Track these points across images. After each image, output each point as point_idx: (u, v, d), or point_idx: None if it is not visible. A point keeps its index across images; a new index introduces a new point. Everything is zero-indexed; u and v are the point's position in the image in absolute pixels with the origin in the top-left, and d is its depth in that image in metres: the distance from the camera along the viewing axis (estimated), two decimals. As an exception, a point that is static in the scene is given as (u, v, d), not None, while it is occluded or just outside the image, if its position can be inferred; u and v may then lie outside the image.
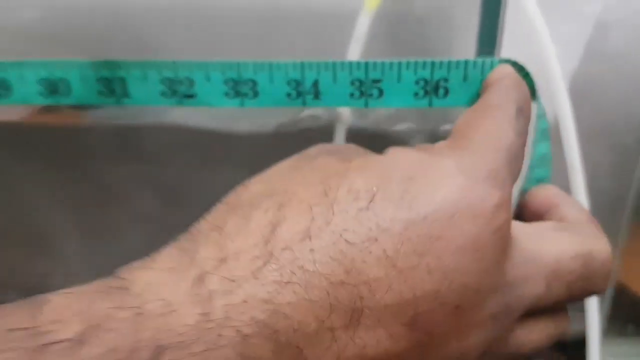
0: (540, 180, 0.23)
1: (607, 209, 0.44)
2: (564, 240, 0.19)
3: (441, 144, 0.18)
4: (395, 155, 0.17)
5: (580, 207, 0.21)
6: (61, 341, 0.13)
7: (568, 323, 0.20)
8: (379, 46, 0.26)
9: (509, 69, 0.20)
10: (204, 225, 0.16)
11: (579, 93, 0.45)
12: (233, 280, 0.14)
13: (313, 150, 0.19)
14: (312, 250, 0.15)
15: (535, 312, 0.19)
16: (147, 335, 0.13)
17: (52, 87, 0.23)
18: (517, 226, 0.18)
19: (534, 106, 0.21)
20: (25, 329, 0.13)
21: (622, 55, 0.50)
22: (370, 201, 0.15)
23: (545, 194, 0.21)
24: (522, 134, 0.18)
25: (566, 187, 0.24)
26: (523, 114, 0.19)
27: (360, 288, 0.15)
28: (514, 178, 0.18)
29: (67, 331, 0.13)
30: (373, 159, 0.17)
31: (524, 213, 0.22)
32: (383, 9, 0.25)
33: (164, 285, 0.14)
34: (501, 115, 0.18)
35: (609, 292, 0.55)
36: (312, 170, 0.17)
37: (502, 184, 0.16)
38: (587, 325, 0.25)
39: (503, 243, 0.16)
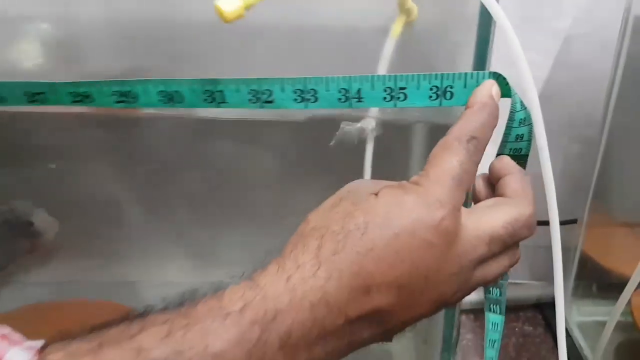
0: (517, 152, 0.32)
1: (573, 189, 0.52)
2: (497, 213, 0.29)
3: (413, 179, 0.29)
4: (382, 198, 0.28)
5: (520, 179, 0.31)
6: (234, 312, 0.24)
7: (517, 256, 0.31)
8: (401, 61, 0.34)
9: (479, 95, 0.30)
10: (287, 247, 0.27)
11: (549, 95, 0.55)
12: (303, 278, 0.26)
13: (343, 191, 0.30)
14: (339, 260, 0.26)
15: (487, 260, 0.29)
16: (271, 305, 0.25)
17: (169, 97, 0.32)
18: (464, 213, 0.28)
19: (509, 101, 0.30)
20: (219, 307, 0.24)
21: (584, 64, 0.60)
22: (366, 229, 0.26)
23: (499, 165, 0.32)
24: (473, 152, 0.29)
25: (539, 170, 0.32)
26: (476, 138, 0.29)
27: (366, 275, 0.26)
28: (464, 187, 0.28)
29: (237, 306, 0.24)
30: (369, 203, 0.28)
31: (490, 174, 0.32)
32: (402, 35, 0.34)
33: (272, 282, 0.26)
34: (454, 148, 0.28)
35: (575, 259, 0.64)
36: (337, 213, 0.28)
37: (445, 204, 0.27)
38: (555, 286, 0.34)
39: (448, 237, 0.27)
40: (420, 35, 0.35)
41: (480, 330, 0.63)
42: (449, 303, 0.29)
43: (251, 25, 0.32)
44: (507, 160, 0.32)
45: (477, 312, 0.65)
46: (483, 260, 0.29)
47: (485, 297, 0.35)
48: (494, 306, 0.35)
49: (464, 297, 0.30)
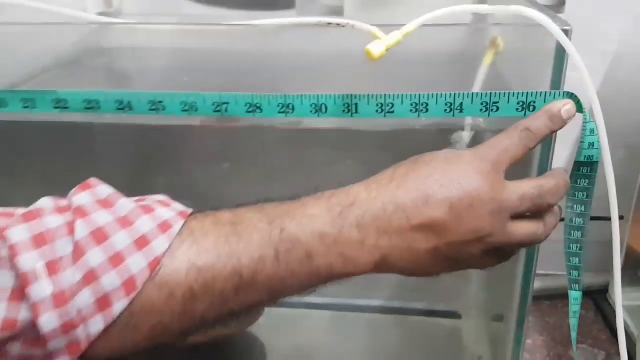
0: (589, 158, 0.40)
1: (620, 189, 0.59)
2: (529, 180, 0.37)
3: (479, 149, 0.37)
4: (444, 150, 0.37)
5: (555, 170, 0.39)
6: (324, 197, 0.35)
7: (541, 226, 0.38)
8: (492, 81, 0.44)
9: (550, 105, 0.38)
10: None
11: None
12: (379, 186, 0.35)
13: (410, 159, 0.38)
14: (408, 179, 0.35)
15: (516, 217, 0.36)
16: (351, 197, 0.35)
17: (318, 108, 0.42)
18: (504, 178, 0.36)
19: (580, 116, 0.39)
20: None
21: (630, 81, 0.68)
22: (431, 162, 0.36)
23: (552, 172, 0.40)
24: (524, 139, 0.37)
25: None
26: (529, 130, 0.37)
27: (426, 190, 0.34)
28: (509, 158, 0.36)
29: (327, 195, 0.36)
30: (435, 152, 0.37)
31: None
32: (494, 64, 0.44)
33: (356, 187, 0.35)
34: (510, 132, 0.37)
35: (623, 251, 0.71)
36: (400, 166, 0.36)
37: (494, 159, 0.35)
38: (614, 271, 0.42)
39: (490, 180, 0.35)
40: (507, 61, 0.45)
41: (537, 313, 0.71)
42: (485, 242, 0.35)
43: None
44: (559, 170, 0.40)
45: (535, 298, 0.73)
46: (516, 215, 0.36)
47: (568, 279, 0.44)
48: (575, 285, 0.44)
49: (497, 244, 0.36)
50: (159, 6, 0.69)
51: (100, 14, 0.66)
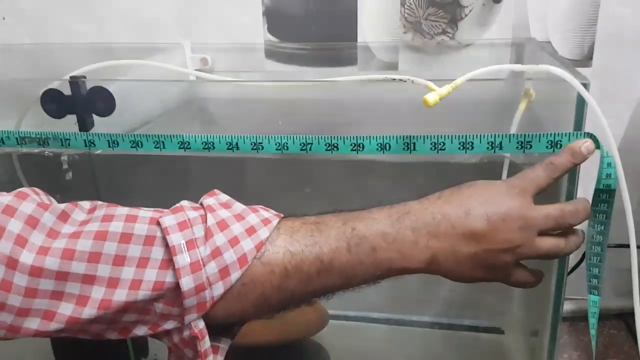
0: (607, 187, 0.48)
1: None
2: (553, 205, 0.45)
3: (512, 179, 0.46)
4: (477, 183, 0.45)
5: (576, 199, 0.48)
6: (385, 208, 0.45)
7: (565, 242, 0.45)
8: (526, 124, 0.53)
9: (572, 144, 0.46)
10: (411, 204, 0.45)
11: (625, 148, 0.71)
12: (429, 202, 0.44)
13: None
14: (452, 198, 0.44)
15: (543, 234, 0.44)
16: (407, 208, 0.44)
17: (383, 146, 0.51)
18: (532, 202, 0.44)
19: (597, 152, 0.47)
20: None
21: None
22: (471, 186, 0.45)
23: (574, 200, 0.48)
24: (549, 171, 0.45)
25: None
26: (553, 164, 0.45)
27: (467, 206, 0.43)
28: (536, 187, 0.44)
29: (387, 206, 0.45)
30: (463, 187, 0.45)
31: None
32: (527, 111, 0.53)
33: (411, 201, 0.44)
34: (536, 167, 0.46)
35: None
36: (446, 190, 0.45)
37: (522, 186, 0.44)
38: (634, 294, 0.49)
39: (520, 200, 0.43)
40: (538, 108, 0.54)
41: (574, 332, 0.77)
42: (516, 252, 0.43)
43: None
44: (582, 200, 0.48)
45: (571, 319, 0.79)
46: (542, 232, 0.44)
47: (588, 285, 0.51)
48: (594, 290, 0.51)
49: (526, 255, 0.44)
50: (244, 64, 0.80)
51: (197, 69, 0.78)
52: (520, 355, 0.72)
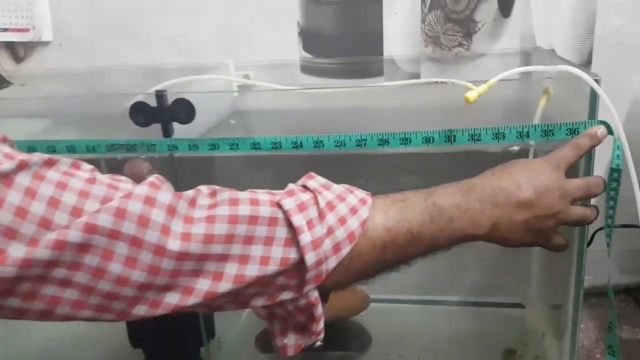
0: (618, 165, 0.57)
1: None
2: (580, 179, 0.54)
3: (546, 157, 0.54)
4: (520, 161, 0.54)
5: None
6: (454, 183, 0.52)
7: (588, 210, 0.54)
8: (547, 116, 0.61)
9: (589, 129, 0.55)
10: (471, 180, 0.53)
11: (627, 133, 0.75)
12: (485, 177, 0.52)
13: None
14: (504, 173, 0.52)
15: (573, 204, 0.52)
16: (471, 183, 0.52)
17: (428, 139, 0.59)
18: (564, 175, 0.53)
19: (610, 137, 0.56)
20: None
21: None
22: (515, 164, 0.53)
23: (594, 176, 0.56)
24: (575, 149, 0.53)
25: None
26: (577, 145, 0.54)
27: (518, 180, 0.51)
28: (567, 163, 0.53)
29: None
30: (509, 165, 0.53)
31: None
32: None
33: (454, 194, 0.51)
34: (569, 145, 0.54)
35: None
36: (496, 167, 0.53)
37: (558, 167, 0.52)
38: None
39: (557, 173, 0.52)
40: (556, 102, 0.62)
41: (587, 305, 0.85)
42: (557, 217, 0.51)
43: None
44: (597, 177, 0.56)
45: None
46: (573, 201, 0.52)
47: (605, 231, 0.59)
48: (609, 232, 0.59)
49: (564, 220, 0.51)
50: (282, 78, 0.88)
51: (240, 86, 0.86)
52: (539, 326, 0.80)
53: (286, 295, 0.45)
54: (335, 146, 0.62)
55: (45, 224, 0.37)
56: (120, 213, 0.39)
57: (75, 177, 0.40)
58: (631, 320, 0.82)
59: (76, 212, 0.38)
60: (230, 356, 0.80)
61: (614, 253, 0.59)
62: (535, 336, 0.78)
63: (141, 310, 0.41)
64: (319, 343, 0.48)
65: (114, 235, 0.39)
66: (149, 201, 0.40)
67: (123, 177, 0.43)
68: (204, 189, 0.46)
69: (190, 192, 0.45)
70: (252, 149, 0.62)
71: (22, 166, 0.37)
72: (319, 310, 0.46)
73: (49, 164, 0.39)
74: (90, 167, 0.42)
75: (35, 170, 0.38)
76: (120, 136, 0.63)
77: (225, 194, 0.45)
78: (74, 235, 0.37)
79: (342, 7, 0.84)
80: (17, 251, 0.36)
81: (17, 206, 0.36)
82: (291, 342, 0.48)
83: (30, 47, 0.93)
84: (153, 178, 0.43)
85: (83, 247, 0.38)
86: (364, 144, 0.62)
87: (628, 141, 0.56)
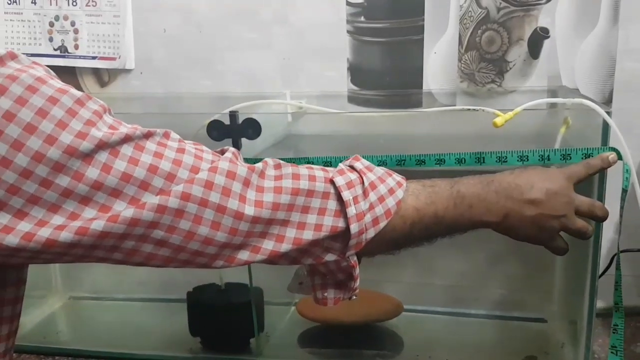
0: (626, 186, 0.64)
1: None
2: (586, 197, 0.61)
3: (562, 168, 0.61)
4: (537, 167, 0.61)
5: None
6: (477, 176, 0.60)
7: (589, 226, 0.60)
8: (565, 142, 0.69)
9: (600, 154, 0.62)
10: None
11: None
12: (503, 175, 0.59)
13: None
14: (520, 173, 0.60)
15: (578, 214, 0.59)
16: (490, 178, 0.59)
17: (460, 160, 0.67)
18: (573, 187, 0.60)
19: (620, 162, 0.63)
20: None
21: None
22: (526, 168, 0.61)
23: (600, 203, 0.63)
24: (585, 169, 0.61)
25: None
26: (589, 164, 0.61)
27: (532, 181, 0.58)
28: (579, 176, 0.60)
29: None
30: (528, 168, 0.61)
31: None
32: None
33: (476, 184, 0.58)
34: (582, 163, 0.62)
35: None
36: (516, 168, 0.60)
37: (569, 177, 0.59)
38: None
39: (567, 182, 0.59)
40: (574, 131, 0.70)
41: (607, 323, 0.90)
42: (560, 220, 0.57)
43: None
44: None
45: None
46: (576, 212, 0.58)
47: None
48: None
49: (566, 225, 0.58)
50: (331, 107, 0.98)
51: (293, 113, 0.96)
52: (559, 338, 0.85)
53: (330, 257, 0.53)
54: (379, 164, 0.70)
55: (144, 186, 0.44)
56: (209, 185, 0.46)
57: (168, 148, 0.47)
58: (647, 339, 0.87)
59: (170, 177, 0.45)
60: (275, 349, 0.88)
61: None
62: (555, 346, 0.83)
63: (219, 264, 0.49)
64: (354, 297, 0.56)
65: (203, 203, 0.46)
66: (230, 175, 0.48)
67: (204, 147, 0.51)
68: (270, 161, 0.54)
69: (259, 165, 0.52)
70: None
71: (126, 139, 0.44)
72: (357, 270, 0.54)
73: (147, 135, 0.46)
74: (177, 136, 0.50)
75: (137, 141, 0.45)
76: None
77: (289, 168, 0.53)
78: (173, 201, 0.45)
79: (388, 46, 0.94)
80: (123, 209, 0.43)
81: (122, 172, 0.43)
82: (330, 295, 0.56)
83: (114, 73, 1.05)
84: (230, 154, 0.51)
85: (179, 212, 0.45)
86: (403, 164, 0.70)
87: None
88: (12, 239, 0.41)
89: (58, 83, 0.44)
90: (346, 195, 0.52)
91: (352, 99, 0.98)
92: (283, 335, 0.91)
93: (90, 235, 0.43)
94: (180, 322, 0.88)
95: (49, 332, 0.97)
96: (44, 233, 0.41)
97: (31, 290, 0.52)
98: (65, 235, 0.42)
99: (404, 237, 0.55)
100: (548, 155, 0.65)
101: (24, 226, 0.41)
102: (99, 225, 0.43)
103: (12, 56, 0.43)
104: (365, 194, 0.53)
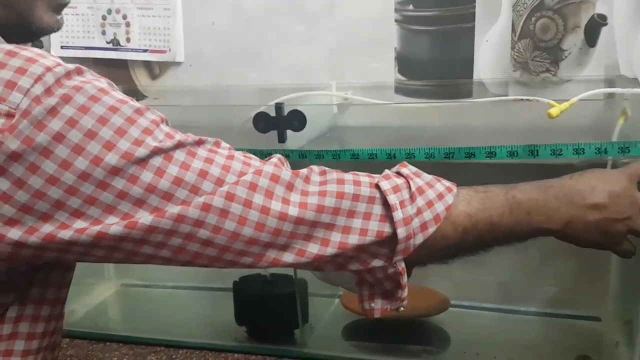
0: None
1: None
2: None
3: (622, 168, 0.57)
4: (596, 170, 0.57)
5: None
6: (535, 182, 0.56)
7: None
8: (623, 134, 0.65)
9: None
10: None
11: None
12: (563, 179, 0.56)
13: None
14: (581, 177, 0.56)
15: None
16: (549, 183, 0.56)
17: (512, 153, 0.65)
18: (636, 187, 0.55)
19: None
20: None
21: None
22: (585, 172, 0.56)
23: None
24: None
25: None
26: None
27: (593, 184, 0.55)
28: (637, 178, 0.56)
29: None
30: (587, 172, 0.56)
31: None
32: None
33: (533, 190, 0.55)
34: (636, 164, 0.57)
35: None
36: (575, 173, 0.56)
37: (631, 177, 0.55)
38: None
39: (629, 183, 0.55)
40: (632, 122, 0.66)
41: None
42: (626, 223, 0.53)
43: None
44: None
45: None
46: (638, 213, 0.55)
47: None
48: None
49: (632, 227, 0.54)
50: (377, 98, 0.96)
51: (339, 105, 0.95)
52: (614, 339, 0.81)
53: (377, 263, 0.51)
54: (426, 157, 0.69)
55: (195, 190, 0.45)
56: (253, 186, 0.47)
57: (218, 155, 0.48)
58: None
59: (219, 182, 0.46)
60: (319, 341, 0.87)
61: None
62: (609, 346, 0.80)
63: (264, 265, 0.49)
64: (402, 308, 0.54)
65: (247, 204, 0.47)
66: (274, 178, 0.49)
67: (252, 155, 0.51)
68: (315, 168, 0.53)
69: (304, 170, 0.52)
70: (351, 158, 0.70)
71: (179, 145, 0.46)
72: (405, 278, 0.52)
73: (199, 142, 0.48)
74: (227, 145, 0.51)
75: (189, 148, 0.46)
76: (240, 144, 0.73)
77: (334, 174, 0.52)
78: (218, 200, 0.46)
79: (437, 35, 0.92)
80: (172, 209, 0.44)
81: (175, 176, 0.45)
82: (378, 305, 0.54)
83: (164, 66, 1.06)
84: (276, 159, 0.51)
85: (224, 212, 0.46)
86: (452, 156, 0.68)
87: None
88: (65, 233, 0.43)
89: (119, 94, 0.46)
90: (392, 199, 0.50)
91: (399, 90, 0.96)
92: (327, 327, 0.91)
93: (139, 229, 0.44)
94: (226, 311, 0.89)
95: (100, 319, 1.00)
96: (96, 227, 0.43)
97: (84, 278, 0.54)
98: (115, 229, 0.43)
99: (455, 245, 0.53)
100: (605, 149, 0.62)
101: (80, 224, 0.43)
102: (147, 219, 0.44)
103: (79, 72, 0.45)
104: (412, 198, 0.51)
